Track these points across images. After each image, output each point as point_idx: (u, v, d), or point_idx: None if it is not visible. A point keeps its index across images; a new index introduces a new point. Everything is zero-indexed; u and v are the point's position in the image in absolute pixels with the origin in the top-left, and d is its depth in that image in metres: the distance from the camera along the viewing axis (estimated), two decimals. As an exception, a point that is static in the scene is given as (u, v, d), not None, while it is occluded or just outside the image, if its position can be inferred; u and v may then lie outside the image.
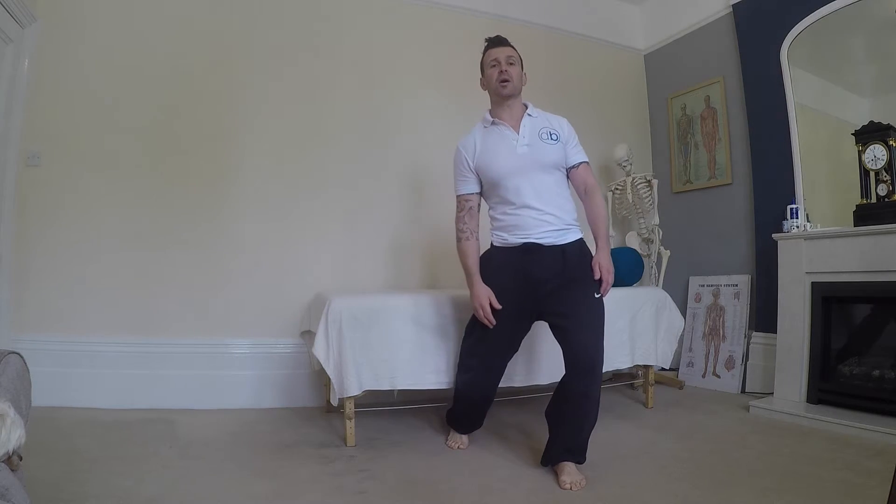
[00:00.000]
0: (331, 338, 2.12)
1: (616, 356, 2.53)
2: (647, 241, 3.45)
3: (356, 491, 1.71)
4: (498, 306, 1.90)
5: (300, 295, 2.81)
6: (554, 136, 1.95)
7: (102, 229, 2.68)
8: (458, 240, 2.02)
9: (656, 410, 2.73)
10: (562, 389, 1.87)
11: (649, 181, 3.39)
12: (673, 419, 2.58)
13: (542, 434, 2.19)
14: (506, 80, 1.94)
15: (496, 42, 2.03)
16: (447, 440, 2.21)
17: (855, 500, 1.61)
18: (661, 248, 3.37)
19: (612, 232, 3.44)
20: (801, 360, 2.68)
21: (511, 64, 1.97)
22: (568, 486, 1.73)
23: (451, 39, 3.39)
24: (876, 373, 2.47)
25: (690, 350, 3.48)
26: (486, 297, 1.91)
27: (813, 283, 2.70)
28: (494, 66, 1.98)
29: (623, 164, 3.50)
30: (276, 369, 2.82)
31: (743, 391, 3.12)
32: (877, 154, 2.52)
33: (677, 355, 3.40)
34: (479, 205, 2.06)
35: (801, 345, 2.69)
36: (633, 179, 3.41)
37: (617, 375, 3.23)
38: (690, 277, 3.63)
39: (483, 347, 2.01)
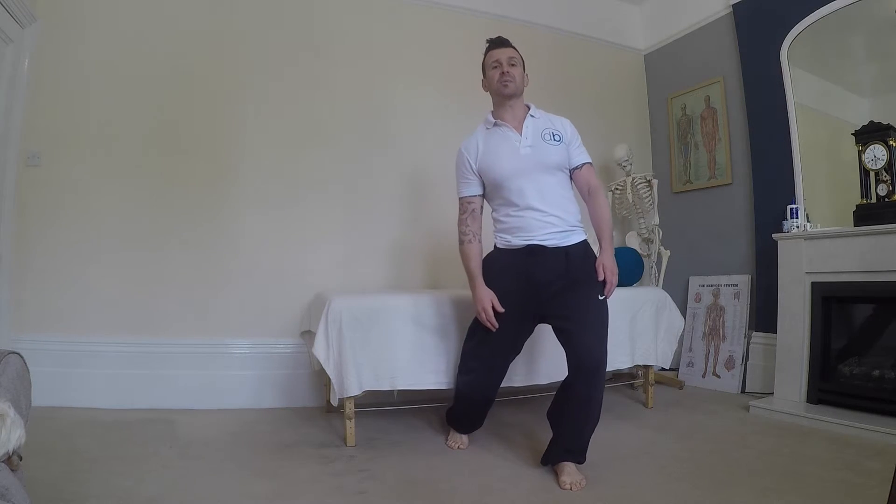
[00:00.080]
0: (331, 338, 2.12)
1: (616, 356, 2.53)
2: (647, 241, 3.45)
3: (356, 491, 1.71)
4: (501, 309, 1.89)
5: (300, 295, 2.81)
6: (557, 137, 1.94)
7: (102, 229, 2.69)
8: (461, 242, 2.01)
9: (656, 410, 2.73)
10: (564, 391, 1.87)
11: (649, 181, 3.39)
12: (673, 419, 2.58)
13: (542, 434, 2.19)
14: (508, 81, 1.93)
15: (498, 43, 2.02)
16: (447, 440, 2.21)
17: (855, 500, 1.61)
18: (661, 248, 3.37)
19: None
20: (801, 360, 2.68)
21: (513, 65, 1.96)
22: (568, 486, 1.73)
23: (452, 39, 3.39)
24: (876, 373, 2.47)
25: (690, 350, 3.48)
26: (488, 301, 1.90)
27: (813, 283, 2.69)
28: (496, 67, 1.97)
29: (623, 164, 3.50)
30: (276, 369, 2.82)
31: (743, 391, 3.12)
32: (877, 154, 2.52)
33: (677, 355, 3.40)
34: (481, 207, 2.04)
35: (801, 345, 2.69)
36: (633, 179, 3.41)
37: (617, 375, 3.23)
38: (690, 277, 3.63)
39: (485, 349, 2.00)
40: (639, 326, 2.65)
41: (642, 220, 3.47)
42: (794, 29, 2.96)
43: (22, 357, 1.22)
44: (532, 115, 1.98)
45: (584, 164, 1.99)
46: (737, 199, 3.43)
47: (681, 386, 3.31)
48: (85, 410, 2.46)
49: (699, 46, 3.70)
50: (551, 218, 1.88)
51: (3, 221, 2.54)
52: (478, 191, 2.02)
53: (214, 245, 2.83)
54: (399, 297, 2.30)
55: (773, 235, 2.89)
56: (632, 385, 3.19)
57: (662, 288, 3.10)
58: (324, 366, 2.12)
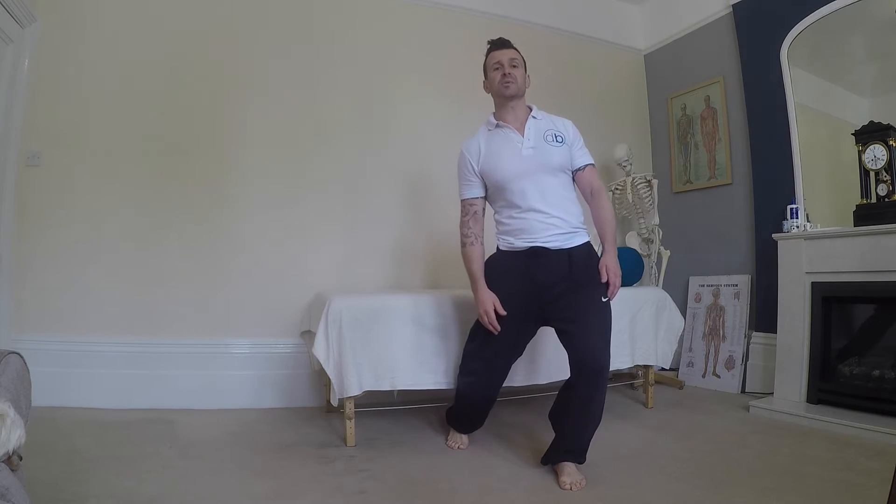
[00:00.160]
0: (331, 338, 2.12)
1: (616, 356, 2.52)
2: (647, 241, 3.45)
3: (356, 491, 1.71)
4: (503, 312, 1.88)
5: (300, 295, 2.81)
6: (559, 139, 1.94)
7: (102, 229, 2.69)
8: (463, 245, 2.01)
9: (656, 410, 2.73)
10: (566, 392, 1.86)
11: (649, 181, 3.39)
12: (673, 419, 2.58)
13: (543, 434, 2.20)
14: (509, 82, 1.93)
15: (499, 44, 2.01)
16: (447, 440, 2.21)
17: (855, 500, 1.61)
18: (661, 248, 3.37)
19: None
20: (801, 360, 2.68)
21: (514, 66, 1.95)
22: (568, 486, 1.73)
23: (452, 39, 3.39)
24: (876, 373, 2.47)
25: (690, 350, 3.48)
26: (490, 303, 1.89)
27: (813, 283, 2.69)
28: (497, 68, 1.96)
29: (623, 164, 3.50)
30: (276, 369, 2.82)
31: (743, 391, 3.12)
32: (877, 154, 2.52)
33: (677, 355, 3.40)
34: (483, 209, 2.04)
35: (801, 345, 2.69)
36: (633, 179, 3.41)
37: (617, 375, 3.23)
38: (690, 277, 3.63)
39: (487, 351, 1.99)
40: (639, 326, 2.65)
41: (642, 220, 3.47)
42: (794, 29, 2.96)
43: (22, 357, 1.22)
44: (534, 117, 1.97)
45: (587, 165, 1.98)
46: (737, 199, 3.43)
47: (681, 386, 3.31)
48: (85, 410, 2.46)
49: (699, 46, 3.70)
50: (554, 220, 1.87)
51: (3, 221, 2.54)
52: (480, 193, 2.01)
53: (214, 245, 2.83)
54: (399, 297, 2.29)
55: (773, 235, 2.89)
56: (632, 385, 3.19)
57: (662, 288, 3.10)
58: (324, 366, 2.12)
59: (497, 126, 1.98)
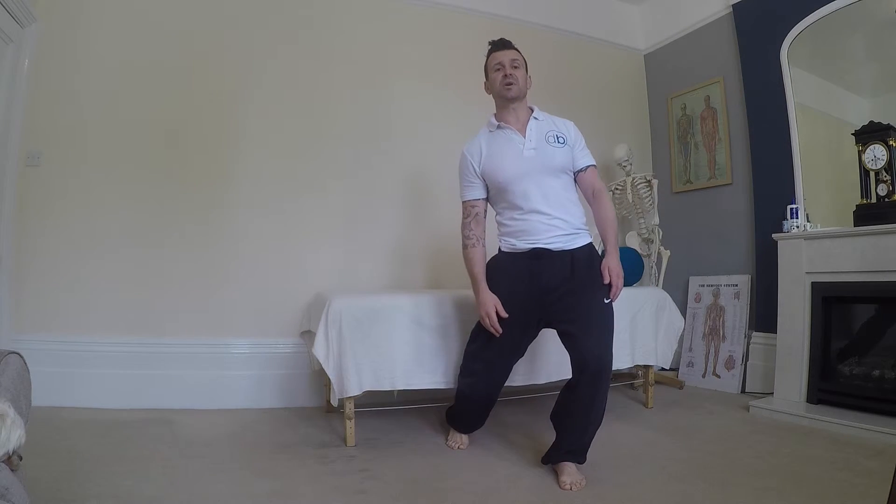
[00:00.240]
0: (331, 338, 2.12)
1: (616, 356, 2.48)
2: (647, 241, 3.45)
3: (356, 491, 1.71)
4: (504, 315, 1.87)
5: (300, 295, 2.81)
6: (561, 140, 1.93)
7: (102, 229, 2.68)
8: (465, 246, 2.00)
9: (656, 410, 2.73)
10: (568, 393, 1.85)
11: (649, 181, 3.39)
12: (673, 419, 2.58)
13: (543, 434, 2.20)
14: (511, 83, 1.92)
15: (500, 45, 2.01)
16: (447, 440, 2.21)
17: (855, 500, 1.61)
18: (661, 248, 3.37)
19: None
20: (801, 360, 2.68)
21: (515, 67, 1.95)
22: (568, 486, 1.73)
23: (452, 39, 3.39)
24: (876, 373, 2.47)
25: (690, 350, 3.48)
26: (492, 306, 1.88)
27: (813, 283, 2.70)
28: (499, 69, 1.96)
29: (623, 164, 3.50)
30: (275, 369, 2.82)
31: (743, 391, 3.12)
32: (877, 154, 2.52)
33: (677, 355, 3.40)
34: (485, 210, 2.03)
35: (801, 345, 2.69)
36: (633, 179, 3.41)
37: (617, 375, 3.22)
38: (690, 277, 3.63)
39: (488, 353, 1.99)
40: (639, 326, 2.65)
41: (642, 220, 3.47)
42: (794, 29, 2.96)
43: (22, 357, 1.22)
44: (536, 118, 1.97)
45: (589, 166, 1.98)
46: (737, 199, 3.43)
47: (681, 386, 3.31)
48: (85, 410, 2.46)
49: (699, 46, 3.70)
50: (556, 221, 1.87)
51: (3, 221, 2.54)
52: (481, 194, 2.00)
53: (214, 245, 2.83)
54: (399, 297, 2.29)
55: (773, 235, 2.89)
56: (632, 385, 3.19)
57: (662, 288, 3.10)
58: (324, 366, 2.12)
59: (498, 127, 1.98)
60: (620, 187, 3.49)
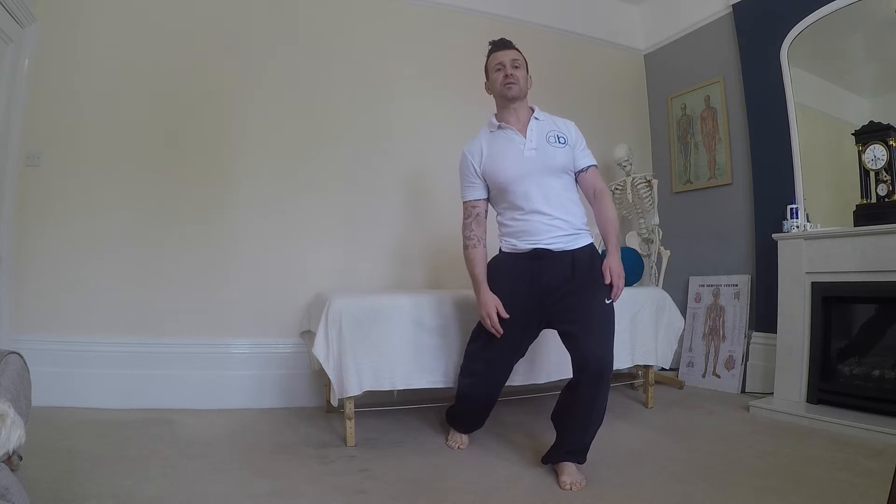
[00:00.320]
0: (331, 338, 2.12)
1: (616, 356, 2.49)
2: (647, 241, 3.45)
3: (356, 491, 1.71)
4: (505, 315, 1.87)
5: (300, 295, 2.81)
6: (562, 140, 1.93)
7: (102, 229, 2.68)
8: (465, 247, 2.00)
9: (656, 410, 2.73)
10: (569, 393, 1.85)
11: (649, 181, 3.39)
12: (673, 419, 2.58)
13: (542, 434, 2.20)
14: (511, 83, 1.92)
15: (501, 45, 2.00)
16: (447, 440, 2.21)
17: (855, 500, 1.61)
18: (661, 248, 3.37)
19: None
20: (801, 360, 2.68)
21: (516, 67, 1.95)
22: (568, 486, 1.73)
23: (453, 39, 3.39)
24: (876, 373, 2.47)
25: (690, 350, 3.48)
26: (493, 306, 1.88)
27: (813, 283, 2.70)
28: (499, 69, 1.95)
29: (623, 164, 3.50)
30: (275, 369, 2.82)
31: (743, 391, 3.12)
32: (877, 154, 2.52)
33: (677, 355, 3.40)
34: (486, 211, 2.03)
35: (801, 345, 2.69)
36: (633, 179, 3.41)
37: (617, 375, 3.21)
38: (690, 277, 3.63)
39: (489, 353, 1.99)
40: (639, 326, 2.65)
41: (642, 220, 3.47)
42: (794, 29, 2.96)
43: (22, 357, 1.22)
44: (536, 118, 1.97)
45: (590, 166, 1.97)
46: (737, 199, 3.43)
47: (681, 386, 3.31)
48: (85, 410, 2.46)
49: (699, 46, 3.70)
50: (557, 221, 1.87)
51: (3, 221, 2.54)
52: (482, 194, 2.00)
53: (214, 245, 2.83)
54: (399, 297, 2.29)
55: (773, 235, 2.89)
56: (632, 385, 3.19)
57: (662, 288, 3.10)
58: (324, 366, 2.12)
59: (499, 127, 1.97)
60: (620, 187, 3.49)
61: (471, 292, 2.05)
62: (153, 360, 2.65)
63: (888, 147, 2.48)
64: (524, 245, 1.89)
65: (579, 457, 1.82)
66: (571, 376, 1.84)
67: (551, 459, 1.86)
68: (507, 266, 1.94)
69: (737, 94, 3.42)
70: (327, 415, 2.64)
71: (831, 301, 2.66)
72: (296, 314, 2.80)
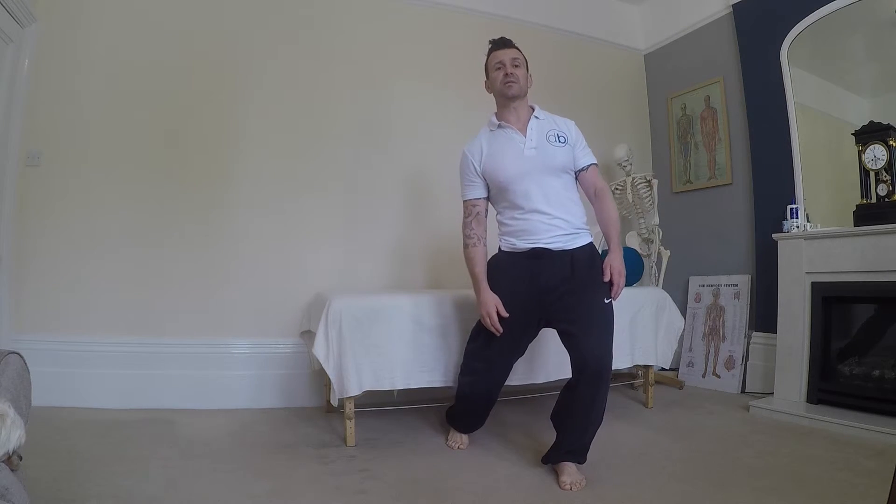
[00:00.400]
0: (331, 338, 2.12)
1: (616, 356, 2.49)
2: (647, 241, 3.45)
3: (356, 491, 1.71)
4: (505, 314, 1.87)
5: (300, 295, 2.81)
6: (562, 139, 1.93)
7: (102, 229, 2.68)
8: (465, 246, 2.00)
9: (656, 410, 2.73)
10: (568, 393, 1.85)
11: (649, 181, 3.39)
12: (673, 419, 2.58)
13: (542, 434, 2.20)
14: (511, 82, 1.92)
15: (501, 44, 2.00)
16: (447, 440, 2.21)
17: (855, 500, 1.61)
18: (661, 248, 3.37)
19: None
20: (801, 360, 2.68)
21: (516, 66, 1.95)
22: (568, 486, 1.73)
23: (453, 39, 3.39)
24: (876, 373, 2.47)
25: (690, 350, 3.48)
26: (493, 306, 1.88)
27: (813, 283, 2.70)
28: (499, 68, 1.95)
29: (623, 164, 3.50)
30: (275, 369, 2.82)
31: (743, 391, 3.12)
32: (877, 154, 2.52)
33: (677, 355, 3.40)
34: (486, 210, 2.03)
35: (801, 345, 2.69)
36: (633, 179, 3.41)
37: (617, 375, 3.22)
38: (690, 277, 3.63)
39: (489, 352, 1.99)
40: (639, 326, 2.65)
41: (642, 220, 3.47)
42: (794, 29, 2.96)
43: (22, 357, 1.22)
44: (536, 117, 1.97)
45: (590, 165, 1.98)
46: (737, 199, 3.43)
47: (681, 386, 3.31)
48: (85, 410, 2.46)
49: (699, 46, 3.70)
50: (557, 221, 1.87)
51: (3, 221, 2.54)
52: (482, 193, 2.00)
53: (214, 245, 2.83)
54: (399, 297, 2.29)
55: (773, 235, 2.89)
56: (632, 385, 3.19)
57: (662, 288, 3.10)
58: (324, 366, 2.12)
59: (499, 126, 1.97)
60: (620, 187, 3.49)
61: (470, 292, 2.05)
62: (153, 360, 2.65)
63: (888, 147, 2.48)
64: (523, 244, 1.89)
65: (579, 457, 1.82)
66: (571, 376, 1.84)
67: (551, 459, 1.86)
68: (507, 265, 1.94)
69: (737, 94, 3.42)
70: (327, 415, 2.64)
71: (831, 301, 2.66)
72: (296, 314, 2.80)
